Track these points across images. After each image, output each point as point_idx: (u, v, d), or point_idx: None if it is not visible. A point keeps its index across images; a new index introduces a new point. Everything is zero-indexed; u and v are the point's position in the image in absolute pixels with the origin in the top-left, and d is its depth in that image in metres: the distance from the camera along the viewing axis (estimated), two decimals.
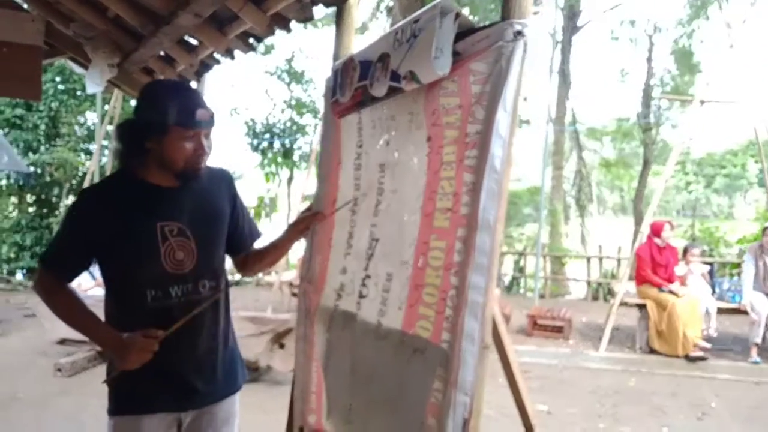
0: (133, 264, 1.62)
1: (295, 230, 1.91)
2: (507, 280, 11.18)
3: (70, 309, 1.66)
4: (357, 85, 1.71)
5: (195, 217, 1.68)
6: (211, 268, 1.73)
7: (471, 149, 1.37)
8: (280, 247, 1.94)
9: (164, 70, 3.26)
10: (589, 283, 10.66)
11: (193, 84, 3.27)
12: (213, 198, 1.76)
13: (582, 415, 4.23)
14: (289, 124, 14.03)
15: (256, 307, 6.35)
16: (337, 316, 1.83)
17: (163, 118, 1.57)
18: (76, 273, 1.70)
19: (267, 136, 14.01)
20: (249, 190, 14.57)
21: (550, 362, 5.62)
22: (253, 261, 1.93)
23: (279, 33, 2.29)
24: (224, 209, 1.79)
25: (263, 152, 14.11)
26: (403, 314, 1.54)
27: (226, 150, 15.32)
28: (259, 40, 2.50)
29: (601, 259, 10.76)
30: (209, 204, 1.74)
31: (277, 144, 13.97)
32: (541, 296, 9.81)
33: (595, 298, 9.98)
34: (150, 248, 1.61)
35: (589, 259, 11.15)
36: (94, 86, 3.19)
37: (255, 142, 14.09)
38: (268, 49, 14.77)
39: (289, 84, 14.20)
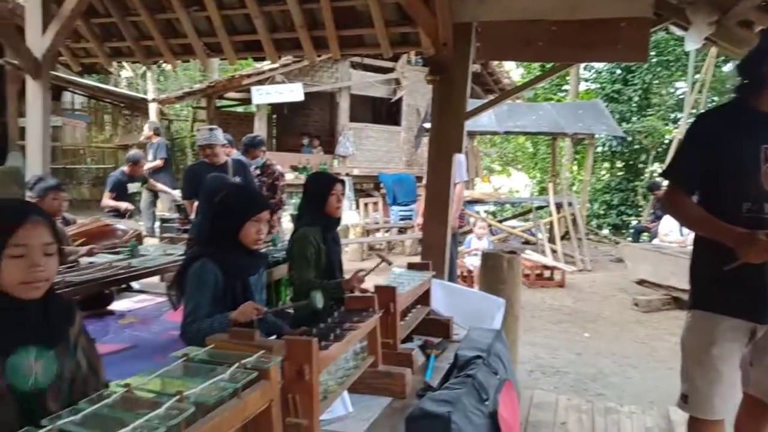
0: (733, 179, 1.84)
1: None
2: None
3: (692, 214, 1.94)
4: None
5: None
6: None
7: None
8: None
9: (762, 19, 3.30)
10: None
11: None
12: None
13: None
14: None
15: None
16: None
17: None
18: (695, 185, 1.93)
19: None
20: None
21: None
22: None
23: None
24: None
25: None
26: None
27: None
28: None
29: None
30: None
31: None
32: None
33: None
34: (751, 167, 1.81)
35: None
36: (692, 44, 3.59)
37: None
38: None
39: None
